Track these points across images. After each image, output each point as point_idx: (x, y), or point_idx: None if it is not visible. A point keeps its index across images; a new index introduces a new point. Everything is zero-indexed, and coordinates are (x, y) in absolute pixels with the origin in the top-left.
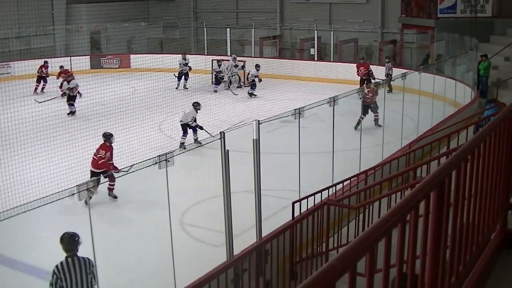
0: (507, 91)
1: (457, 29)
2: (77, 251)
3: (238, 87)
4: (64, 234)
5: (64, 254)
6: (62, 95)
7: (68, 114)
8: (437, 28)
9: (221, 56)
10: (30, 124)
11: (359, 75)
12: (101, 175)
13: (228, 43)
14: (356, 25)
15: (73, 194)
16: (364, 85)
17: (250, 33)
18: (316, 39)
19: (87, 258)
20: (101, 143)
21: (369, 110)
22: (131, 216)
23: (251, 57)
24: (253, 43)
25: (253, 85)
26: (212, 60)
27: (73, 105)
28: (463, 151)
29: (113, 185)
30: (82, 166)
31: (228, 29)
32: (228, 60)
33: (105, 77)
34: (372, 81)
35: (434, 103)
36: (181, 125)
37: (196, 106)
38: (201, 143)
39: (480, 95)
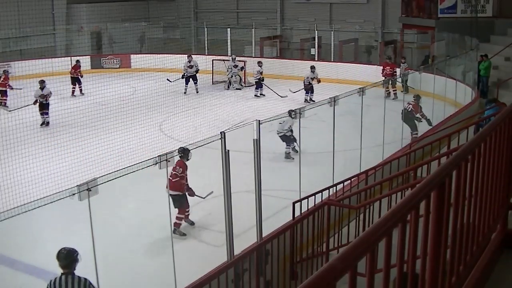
0: (507, 91)
1: (457, 29)
2: (74, 269)
3: (237, 89)
4: (61, 249)
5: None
6: (34, 103)
7: (41, 125)
8: (438, 28)
9: (221, 56)
10: (31, 124)
11: (384, 76)
12: (185, 198)
13: (229, 43)
14: (356, 25)
15: (73, 194)
16: (389, 85)
17: (251, 33)
18: (316, 39)
19: (85, 279)
20: (177, 160)
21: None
22: (131, 215)
23: (252, 57)
24: (253, 43)
25: (258, 85)
26: (213, 60)
27: (47, 114)
28: (464, 151)
29: (185, 215)
30: (83, 166)
31: (228, 29)
32: (228, 60)
33: (105, 77)
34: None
35: (434, 103)
36: (280, 137)
37: (292, 113)
38: (292, 158)
39: (481, 95)
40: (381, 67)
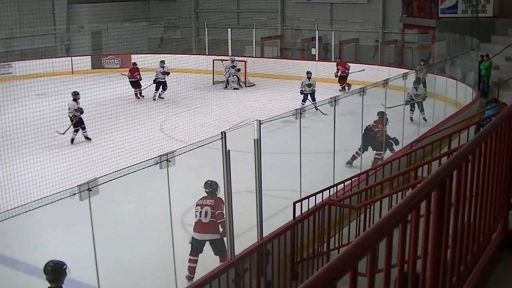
0: (508, 91)
1: (458, 29)
2: (62, 282)
3: (235, 88)
4: (48, 262)
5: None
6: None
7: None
8: (438, 28)
9: (221, 56)
10: (31, 124)
11: (338, 76)
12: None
13: (229, 43)
14: (357, 25)
15: (74, 194)
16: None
17: (251, 33)
18: (317, 39)
19: None
20: (206, 196)
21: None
22: (132, 215)
23: (252, 57)
24: (254, 43)
25: (306, 97)
26: (214, 60)
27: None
28: (464, 151)
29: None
30: (83, 166)
31: (229, 29)
32: (227, 60)
33: (106, 77)
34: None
35: (435, 103)
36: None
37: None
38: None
39: (481, 95)
40: (337, 67)
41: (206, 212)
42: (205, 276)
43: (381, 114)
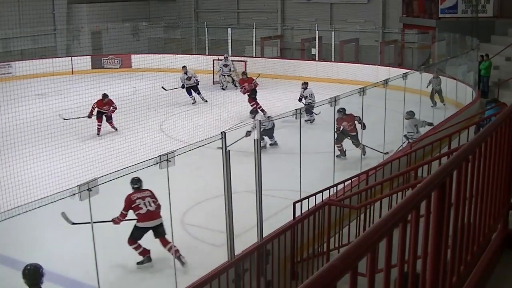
0: (508, 91)
1: (458, 29)
2: (42, 282)
3: (222, 88)
4: (26, 266)
5: None
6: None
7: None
8: (438, 28)
9: (222, 56)
10: (31, 124)
11: (244, 93)
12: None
13: (229, 43)
14: (357, 25)
15: (74, 194)
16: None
17: (251, 33)
18: (317, 39)
19: None
20: (138, 190)
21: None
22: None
23: (252, 57)
24: (254, 43)
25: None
26: (214, 60)
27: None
28: (464, 151)
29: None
30: (83, 166)
31: (229, 29)
32: (221, 60)
33: (106, 77)
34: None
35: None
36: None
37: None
38: None
39: (481, 95)
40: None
41: (149, 202)
42: (205, 276)
43: (342, 110)
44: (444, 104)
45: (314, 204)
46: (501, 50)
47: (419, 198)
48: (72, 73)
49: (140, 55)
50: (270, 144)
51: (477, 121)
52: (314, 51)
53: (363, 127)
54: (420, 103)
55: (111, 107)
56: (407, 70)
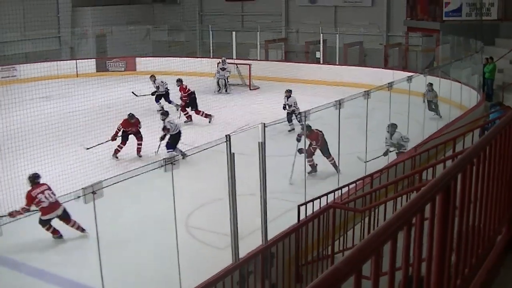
0: None
1: (462, 32)
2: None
3: (217, 91)
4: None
5: None
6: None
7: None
8: (443, 31)
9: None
10: (36, 127)
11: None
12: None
13: (234, 46)
14: (361, 28)
15: (78, 197)
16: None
17: (256, 36)
18: (321, 42)
19: None
20: (36, 185)
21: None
22: (136, 218)
23: (257, 60)
24: (258, 46)
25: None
26: (218, 63)
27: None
28: (469, 154)
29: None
30: (88, 169)
31: (233, 32)
32: (219, 63)
33: (111, 80)
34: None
35: (439, 106)
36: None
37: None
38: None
39: (486, 98)
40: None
41: (49, 194)
42: (210, 279)
43: (308, 128)
44: (441, 117)
45: (318, 207)
46: (506, 53)
47: (424, 201)
48: (77, 76)
49: (145, 58)
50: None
51: (481, 124)
52: (318, 54)
53: (325, 153)
54: (425, 105)
55: (137, 128)
56: (412, 73)
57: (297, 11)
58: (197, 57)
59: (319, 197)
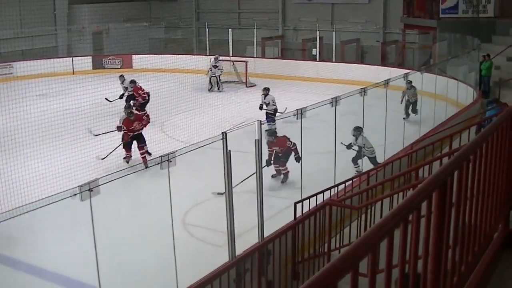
0: (509, 91)
1: (459, 29)
2: None
3: (210, 90)
4: None
5: None
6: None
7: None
8: (439, 28)
9: (223, 57)
10: (33, 124)
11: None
12: None
13: (230, 44)
14: (358, 25)
15: (75, 194)
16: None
17: (252, 34)
18: (318, 39)
19: None
20: None
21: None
22: (133, 216)
23: (253, 57)
24: (255, 43)
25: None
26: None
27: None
28: (465, 151)
29: None
30: (85, 166)
31: (230, 30)
32: (211, 60)
33: (107, 77)
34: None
35: (436, 103)
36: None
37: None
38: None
39: (482, 95)
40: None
41: None
42: (206, 276)
43: (273, 134)
44: (416, 115)
45: (315, 204)
46: (502, 50)
47: (420, 198)
48: (73, 74)
49: (141, 55)
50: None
51: (478, 121)
52: (315, 51)
53: (298, 159)
54: (421, 103)
55: (142, 123)
56: (408, 70)
57: (294, 9)
58: (194, 55)
59: (316, 195)
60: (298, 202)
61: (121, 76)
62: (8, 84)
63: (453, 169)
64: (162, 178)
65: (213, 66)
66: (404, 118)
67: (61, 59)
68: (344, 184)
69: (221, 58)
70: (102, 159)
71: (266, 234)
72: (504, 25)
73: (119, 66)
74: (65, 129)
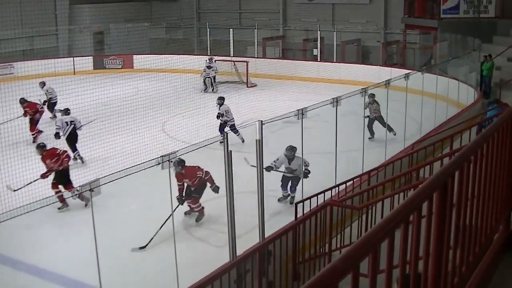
0: (510, 92)
1: (460, 29)
2: None
3: (204, 90)
4: None
5: None
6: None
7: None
8: (440, 29)
9: (224, 57)
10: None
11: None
12: None
13: (231, 44)
14: (359, 26)
15: (75, 194)
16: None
17: (253, 34)
18: (319, 39)
19: None
20: None
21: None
22: (134, 216)
23: (254, 57)
24: (256, 43)
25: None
26: (215, 60)
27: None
28: (466, 152)
29: None
30: (85, 167)
31: (231, 30)
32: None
33: (108, 77)
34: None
35: (437, 103)
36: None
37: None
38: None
39: (483, 95)
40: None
41: None
42: (207, 277)
43: (181, 164)
44: (395, 134)
45: (316, 205)
46: (503, 50)
47: (421, 199)
48: (74, 74)
49: (142, 55)
50: None
51: (479, 121)
52: (316, 51)
53: (216, 190)
54: (422, 103)
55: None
56: (409, 71)
57: (295, 9)
58: (195, 55)
59: (317, 195)
60: (299, 202)
61: (41, 83)
62: (9, 84)
63: (454, 169)
64: (162, 178)
65: (207, 67)
66: (369, 138)
67: (62, 59)
68: (345, 185)
69: (221, 58)
70: (14, 190)
71: (267, 235)
72: (505, 25)
73: (120, 66)
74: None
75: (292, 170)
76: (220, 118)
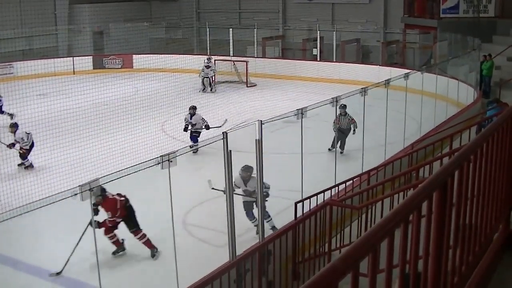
0: (509, 91)
1: (459, 29)
2: None
3: (203, 91)
4: None
5: None
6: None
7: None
8: (440, 28)
9: (223, 56)
10: (32, 124)
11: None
12: None
13: (231, 43)
14: (358, 25)
15: (75, 194)
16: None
17: (253, 33)
18: (318, 39)
19: None
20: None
21: None
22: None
23: (254, 57)
24: (255, 43)
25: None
26: (215, 60)
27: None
28: (466, 151)
29: None
30: (85, 166)
31: (230, 30)
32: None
33: (108, 77)
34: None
35: (436, 103)
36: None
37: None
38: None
39: (483, 95)
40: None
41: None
42: (207, 276)
43: (102, 193)
44: (342, 153)
45: (315, 204)
46: (503, 50)
47: (421, 198)
48: (74, 73)
49: (142, 55)
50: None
51: (478, 121)
52: (315, 51)
53: (133, 226)
54: (421, 103)
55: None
56: (409, 70)
57: (294, 8)
58: (194, 54)
59: (316, 194)
60: (299, 202)
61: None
62: (9, 84)
63: (453, 169)
64: (163, 178)
65: (205, 66)
66: (329, 149)
67: (61, 59)
68: (344, 184)
69: (221, 58)
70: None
71: (266, 234)
72: (504, 25)
73: (119, 66)
74: (66, 129)
75: (250, 193)
76: (191, 127)
